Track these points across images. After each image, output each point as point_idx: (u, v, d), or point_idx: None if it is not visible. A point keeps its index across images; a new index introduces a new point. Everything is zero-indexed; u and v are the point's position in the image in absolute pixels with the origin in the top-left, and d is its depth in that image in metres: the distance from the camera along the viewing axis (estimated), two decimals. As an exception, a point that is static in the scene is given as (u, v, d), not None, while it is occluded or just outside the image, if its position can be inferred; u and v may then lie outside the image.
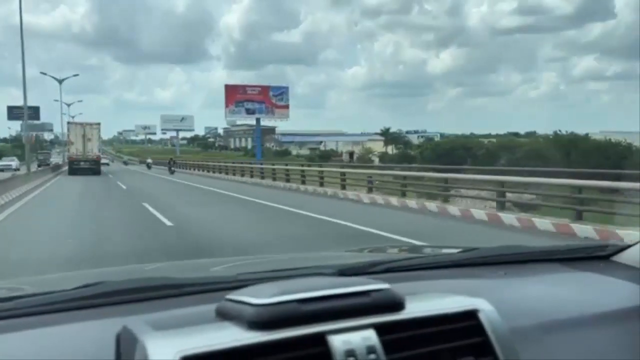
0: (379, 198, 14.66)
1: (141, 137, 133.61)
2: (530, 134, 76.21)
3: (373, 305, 0.75)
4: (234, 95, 46.05)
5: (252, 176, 27.03)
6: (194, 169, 40.87)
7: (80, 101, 73.26)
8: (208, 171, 36.06)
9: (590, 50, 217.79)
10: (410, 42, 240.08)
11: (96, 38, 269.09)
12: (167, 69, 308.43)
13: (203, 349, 0.66)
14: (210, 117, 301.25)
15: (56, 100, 57.98)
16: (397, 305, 0.77)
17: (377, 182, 16.32)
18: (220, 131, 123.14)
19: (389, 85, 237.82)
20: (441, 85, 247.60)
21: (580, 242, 6.95)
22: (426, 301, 0.82)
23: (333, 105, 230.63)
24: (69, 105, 62.66)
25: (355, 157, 58.73)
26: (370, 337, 0.72)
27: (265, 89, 46.93)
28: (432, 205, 12.40)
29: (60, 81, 39.61)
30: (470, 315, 0.80)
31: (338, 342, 0.70)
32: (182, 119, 77.52)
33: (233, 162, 34.69)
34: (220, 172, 33.05)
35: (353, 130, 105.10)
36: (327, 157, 55.53)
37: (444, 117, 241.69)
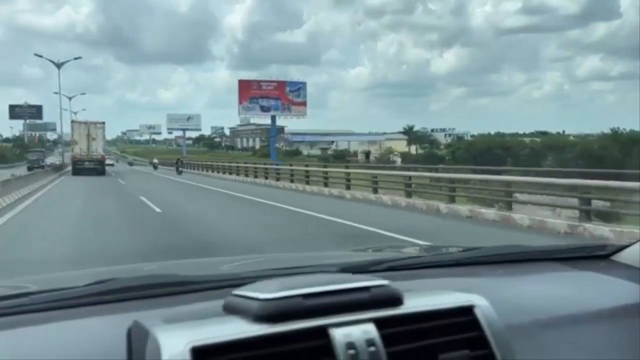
0: (420, 203, 12.99)
1: (145, 137, 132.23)
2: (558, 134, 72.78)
3: (373, 301, 0.78)
4: (248, 91, 42.76)
5: (266, 177, 25.41)
6: (203, 170, 39.25)
7: (84, 94, 69.92)
8: (218, 172, 34.42)
9: (595, 50, 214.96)
10: (414, 42, 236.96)
11: (99, 38, 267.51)
12: (170, 70, 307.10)
13: (212, 340, 0.70)
14: (214, 117, 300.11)
15: (56, 93, 47.94)
16: (395, 300, 0.80)
17: (413, 185, 14.62)
18: (227, 131, 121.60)
19: (392, 85, 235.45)
20: (444, 85, 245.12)
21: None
22: (424, 297, 0.85)
23: (335, 106, 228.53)
24: (70, 98, 58.19)
25: (372, 157, 56.66)
26: (370, 330, 0.75)
27: (281, 85, 43.40)
28: (490, 213, 10.71)
29: (59, 65, 37.52)
30: (466, 311, 0.83)
31: (339, 335, 0.73)
32: (189, 118, 75.16)
33: (245, 163, 32.95)
34: (230, 173, 31.43)
35: (359, 130, 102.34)
36: (342, 157, 53.36)
37: (447, 117, 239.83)
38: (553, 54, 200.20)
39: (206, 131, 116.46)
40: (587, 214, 9.07)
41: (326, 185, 18.78)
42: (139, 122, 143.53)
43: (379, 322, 0.76)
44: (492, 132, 72.83)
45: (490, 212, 10.73)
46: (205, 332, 0.71)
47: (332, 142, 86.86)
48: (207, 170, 37.61)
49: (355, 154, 65.48)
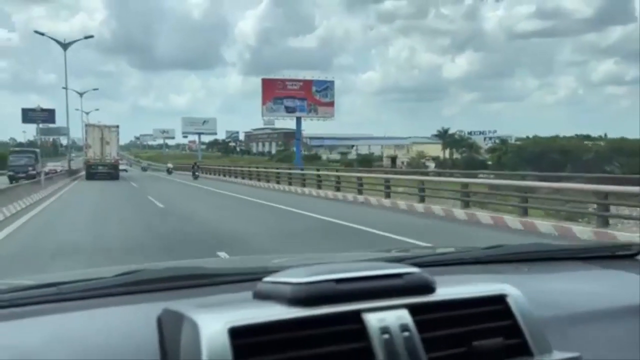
0: (483, 217, 11.13)
1: (159, 141, 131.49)
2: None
3: (405, 287, 0.78)
4: (272, 90, 39.44)
5: (290, 184, 23.67)
6: (219, 174, 37.70)
7: (97, 110, 71.05)
8: (236, 177, 32.79)
9: (609, 54, 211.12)
10: (426, 46, 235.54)
11: (113, 45, 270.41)
12: (183, 75, 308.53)
13: (249, 320, 0.70)
14: (226, 122, 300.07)
15: (77, 110, 55.35)
16: (428, 288, 0.80)
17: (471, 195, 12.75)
18: (242, 135, 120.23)
19: (403, 90, 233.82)
20: (456, 90, 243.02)
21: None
22: (456, 286, 0.85)
23: (347, 110, 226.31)
24: (87, 113, 60.06)
25: (398, 162, 53.95)
26: (404, 316, 0.75)
27: (307, 84, 40.05)
28: (583, 230, 8.83)
29: (65, 46, 37.76)
30: (499, 300, 0.83)
31: (373, 320, 0.74)
32: (204, 122, 73.37)
33: (266, 168, 31.25)
34: (250, 179, 29.78)
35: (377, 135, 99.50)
36: (367, 162, 50.85)
37: (459, 122, 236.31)
38: (567, 58, 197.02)
39: (220, 136, 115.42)
40: None
41: (360, 192, 17.00)
42: (152, 127, 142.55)
43: (412, 309, 0.76)
44: (541, 135, 64.63)
45: (583, 229, 8.85)
46: (241, 315, 0.71)
47: (352, 146, 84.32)
48: (224, 175, 36.08)
49: (380, 158, 62.93)
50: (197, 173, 36.59)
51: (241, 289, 0.87)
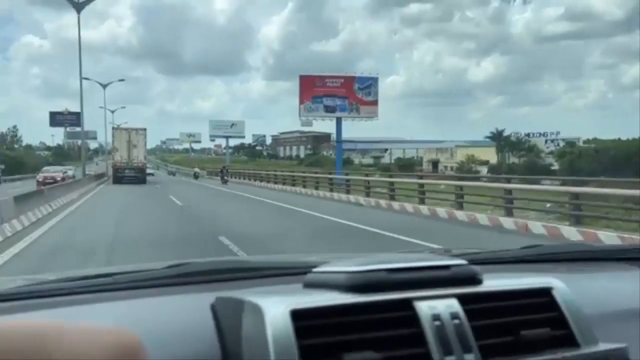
0: (611, 237, 8.90)
1: (184, 146, 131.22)
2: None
3: (453, 278, 0.81)
4: (310, 88, 35.18)
5: (331, 190, 21.64)
6: (248, 179, 35.93)
7: (124, 107, 69.75)
8: (267, 181, 30.94)
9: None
10: (451, 50, 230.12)
11: (140, 51, 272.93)
12: (208, 81, 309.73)
13: (309, 304, 0.73)
14: (251, 127, 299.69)
15: (101, 107, 52.52)
16: (475, 279, 0.83)
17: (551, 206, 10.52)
18: (269, 139, 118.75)
19: (427, 94, 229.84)
20: (482, 94, 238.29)
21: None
22: (502, 279, 0.88)
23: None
24: (112, 111, 58.74)
25: (440, 166, 50.75)
26: (454, 305, 0.78)
27: (349, 81, 35.75)
28: None
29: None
30: (545, 292, 0.86)
31: (425, 308, 0.76)
32: (232, 125, 71.15)
33: (303, 172, 29.26)
34: (284, 184, 27.86)
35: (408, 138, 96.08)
36: (409, 167, 48.26)
37: (483, 126, 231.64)
38: (597, 61, 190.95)
39: (246, 140, 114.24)
40: None
41: (422, 202, 14.85)
42: (177, 132, 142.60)
43: (461, 298, 0.79)
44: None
45: None
46: (299, 299, 0.74)
47: (386, 149, 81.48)
48: (254, 180, 34.30)
49: (419, 162, 59.64)
50: (226, 177, 35.19)
51: (288, 281, 0.91)
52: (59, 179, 29.06)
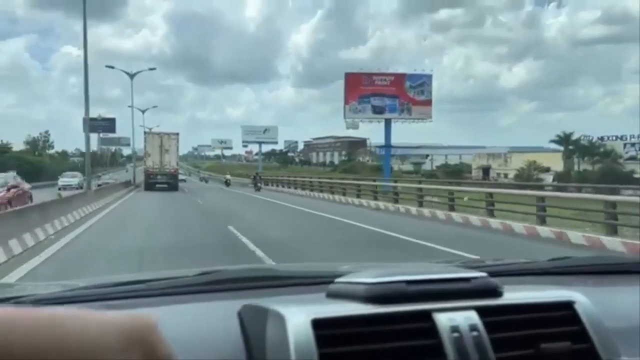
0: None
1: (216, 152, 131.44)
2: None
3: (473, 291, 0.81)
4: (357, 87, 31.75)
5: (375, 198, 19.84)
6: (281, 186, 34.40)
7: (155, 107, 69.17)
8: (303, 189, 29.30)
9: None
10: (482, 55, 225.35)
11: (172, 59, 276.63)
12: (238, 89, 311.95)
13: (330, 314, 0.75)
14: (280, 133, 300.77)
15: (129, 106, 48.50)
16: (495, 292, 0.83)
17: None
18: (300, 145, 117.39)
19: (457, 100, 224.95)
20: (514, 100, 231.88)
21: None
22: (523, 291, 0.88)
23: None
24: (143, 111, 56.99)
25: (492, 173, 46.48)
26: (472, 317, 0.78)
27: (399, 78, 32.19)
28: None
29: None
30: (566, 306, 0.84)
31: (444, 319, 0.77)
32: (265, 130, 69.62)
33: (341, 180, 27.47)
34: (321, 191, 26.18)
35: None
36: (457, 173, 45.23)
37: (516, 132, 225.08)
38: (635, 66, 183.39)
39: (278, 146, 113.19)
40: None
41: (492, 214, 12.89)
42: (208, 139, 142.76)
43: (480, 311, 0.79)
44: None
45: None
46: (321, 309, 0.76)
47: (427, 155, 78.01)
48: (289, 187, 32.72)
49: (468, 169, 55.21)
50: (259, 184, 33.84)
51: (313, 290, 0.92)
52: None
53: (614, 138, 56.15)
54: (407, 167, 67.14)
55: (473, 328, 0.76)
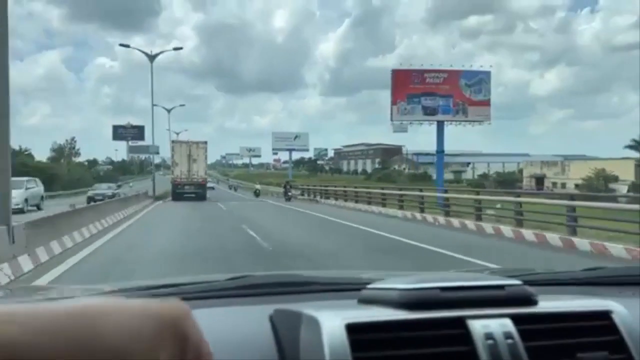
0: None
1: (244, 160, 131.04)
2: None
3: (507, 298, 0.80)
4: (406, 86, 27.59)
5: (422, 210, 17.95)
6: (314, 195, 32.65)
7: (187, 130, 70.83)
8: (336, 199, 27.53)
9: None
10: (512, 62, 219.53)
11: (202, 69, 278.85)
12: (266, 98, 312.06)
13: (364, 319, 0.75)
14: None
15: (167, 130, 54.38)
16: (530, 300, 0.82)
17: None
18: (331, 152, 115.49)
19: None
20: (546, 107, 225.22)
21: None
22: (559, 300, 0.87)
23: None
24: (177, 133, 59.70)
25: (547, 182, 42.28)
26: (507, 324, 0.77)
27: (453, 75, 28.10)
28: None
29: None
30: (604, 316, 0.83)
31: (478, 326, 0.76)
32: (296, 136, 67.91)
33: (383, 189, 25.54)
34: (357, 201, 24.43)
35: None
36: (509, 182, 41.58)
37: (548, 141, 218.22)
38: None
39: (307, 153, 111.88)
40: None
41: (573, 232, 10.84)
42: (236, 147, 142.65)
43: (515, 319, 0.78)
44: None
45: None
46: (355, 314, 0.76)
47: (468, 164, 74.68)
48: (321, 197, 30.96)
49: (518, 178, 49.89)
50: (289, 194, 32.28)
51: (344, 296, 0.94)
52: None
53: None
54: (448, 175, 64.15)
55: (508, 336, 0.74)
